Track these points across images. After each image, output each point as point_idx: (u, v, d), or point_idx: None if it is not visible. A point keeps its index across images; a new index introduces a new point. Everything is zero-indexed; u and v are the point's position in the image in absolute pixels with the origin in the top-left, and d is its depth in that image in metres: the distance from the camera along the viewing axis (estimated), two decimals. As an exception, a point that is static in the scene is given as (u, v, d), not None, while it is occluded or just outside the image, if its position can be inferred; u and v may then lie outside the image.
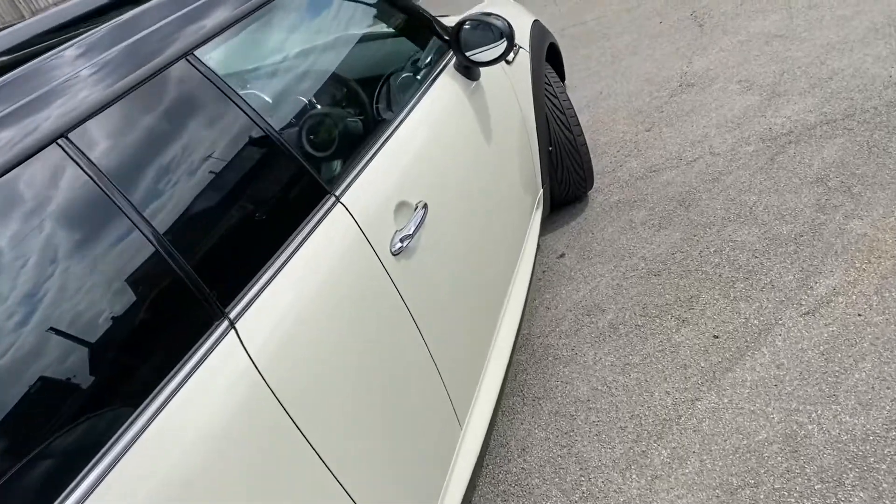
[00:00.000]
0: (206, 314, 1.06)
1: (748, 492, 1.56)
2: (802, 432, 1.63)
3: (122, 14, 1.30)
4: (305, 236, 1.27)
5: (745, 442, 1.67)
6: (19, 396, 0.81)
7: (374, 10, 2.01)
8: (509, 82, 2.33)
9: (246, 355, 1.06)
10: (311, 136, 1.73)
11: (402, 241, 1.44)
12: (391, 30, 2.09)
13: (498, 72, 2.26)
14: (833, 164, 2.50)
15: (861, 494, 1.46)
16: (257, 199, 1.24)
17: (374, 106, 1.91)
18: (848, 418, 1.62)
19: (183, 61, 1.25)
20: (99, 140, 1.04)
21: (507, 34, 1.92)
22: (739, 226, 2.39)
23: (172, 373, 0.97)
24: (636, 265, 2.41)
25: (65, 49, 1.10)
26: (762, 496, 1.54)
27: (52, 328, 0.87)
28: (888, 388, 1.65)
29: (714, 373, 1.88)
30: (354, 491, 1.21)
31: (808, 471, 1.55)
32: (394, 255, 1.43)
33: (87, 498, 0.81)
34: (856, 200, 2.28)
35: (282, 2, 1.58)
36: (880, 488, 1.46)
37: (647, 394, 1.91)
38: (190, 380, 0.98)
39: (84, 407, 0.87)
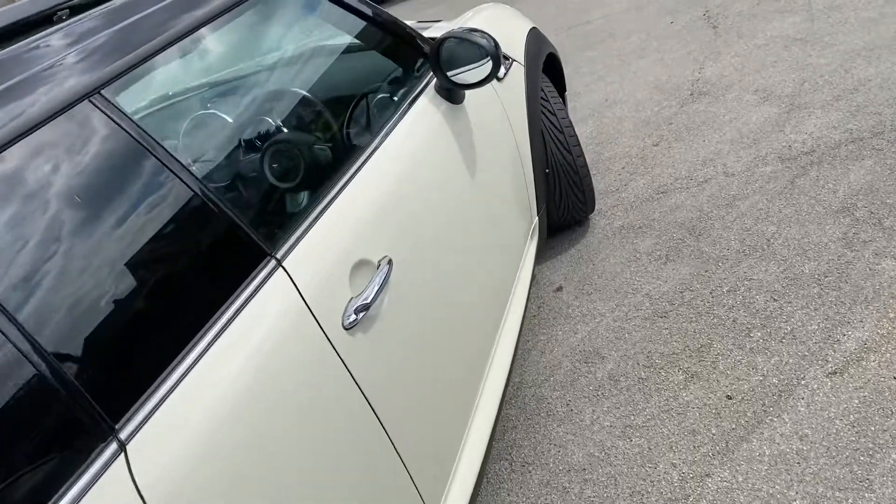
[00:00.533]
0: (89, 434, 0.83)
1: None
2: (831, 526, 1.40)
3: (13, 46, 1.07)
4: (228, 322, 1.04)
5: (762, 534, 1.44)
6: None
7: (339, 22, 1.78)
8: (500, 101, 2.09)
9: (134, 489, 0.84)
10: (246, 181, 1.51)
11: (357, 311, 1.21)
12: (359, 44, 1.86)
13: (487, 90, 2.01)
14: (861, 190, 2.24)
15: None
16: (164, 273, 1.01)
17: (334, 139, 1.67)
18: (884, 511, 1.39)
19: (86, 102, 1.03)
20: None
21: (493, 54, 1.68)
22: (756, 261, 2.14)
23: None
24: (640, 304, 2.17)
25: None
26: None
27: None
28: (932, 474, 1.41)
29: (727, 442, 1.65)
30: None
31: (838, 578, 1.32)
32: (347, 329, 1.20)
33: None
34: (888, 235, 2.03)
35: (218, 21, 1.34)
36: None
37: (651, 465, 1.67)
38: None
39: None
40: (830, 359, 1.74)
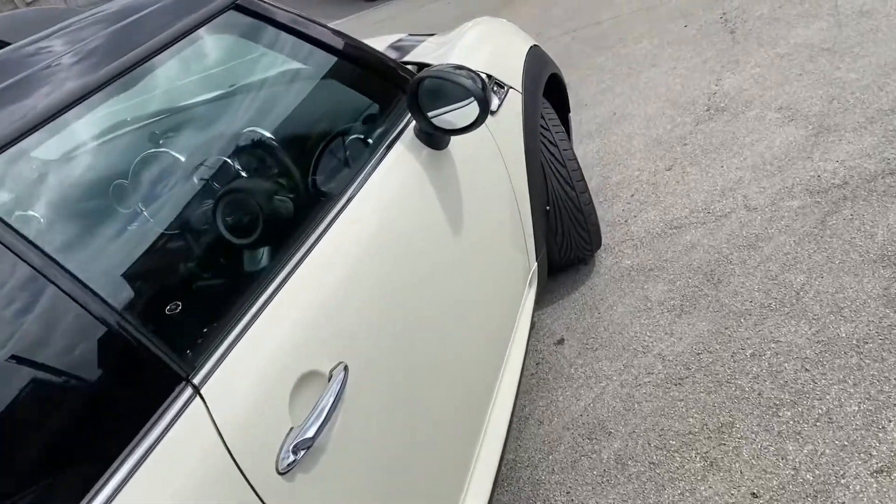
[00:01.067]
0: None
1: None
2: None
3: None
4: (121, 483, 0.80)
5: None
6: None
7: (301, 54, 1.52)
8: (492, 137, 1.84)
9: None
10: (147, 269, 1.16)
11: (296, 449, 0.97)
12: (320, 79, 1.60)
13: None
14: (903, 234, 1.98)
15: None
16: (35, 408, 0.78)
17: (275, 210, 1.39)
18: None
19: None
20: None
21: (480, 97, 1.42)
22: (784, 318, 1.88)
23: None
24: (652, 366, 1.92)
25: None
26: None
27: None
28: None
29: (754, 557, 1.40)
30: None
31: None
32: (283, 474, 0.96)
33: None
34: (937, 294, 1.77)
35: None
36: None
37: (663, 581, 1.43)
38: None
39: None
40: (875, 452, 1.49)
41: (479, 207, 1.70)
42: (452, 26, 2.37)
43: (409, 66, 1.95)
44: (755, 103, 2.92)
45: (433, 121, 1.52)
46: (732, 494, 1.53)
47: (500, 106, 1.90)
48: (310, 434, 0.97)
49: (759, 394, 1.72)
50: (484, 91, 1.43)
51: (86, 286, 0.87)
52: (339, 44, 1.57)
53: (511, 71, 2.09)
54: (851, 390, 1.63)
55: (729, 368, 1.82)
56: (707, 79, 3.29)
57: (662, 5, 4.39)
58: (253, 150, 1.51)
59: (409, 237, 1.40)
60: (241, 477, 0.91)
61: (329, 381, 1.06)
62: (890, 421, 1.53)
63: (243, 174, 1.48)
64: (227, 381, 0.95)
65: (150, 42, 1.16)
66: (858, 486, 1.44)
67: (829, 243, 2.06)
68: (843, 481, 1.46)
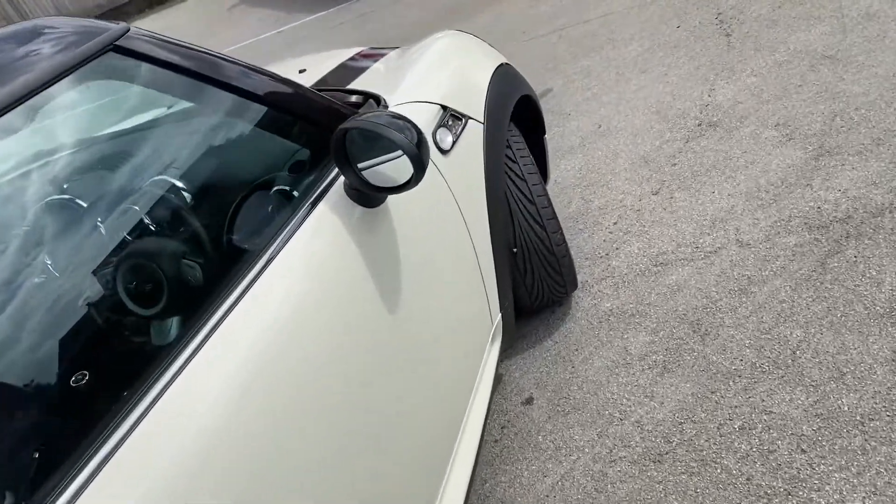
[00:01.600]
0: None
1: None
2: None
3: None
4: None
5: None
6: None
7: (194, 95, 1.29)
8: (444, 180, 1.60)
9: None
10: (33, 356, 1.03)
11: None
12: (235, 123, 1.36)
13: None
14: (914, 284, 1.75)
15: None
16: None
17: (187, 273, 1.20)
18: None
19: None
20: None
21: (412, 155, 1.19)
22: (778, 384, 1.66)
23: None
24: (629, 437, 1.70)
25: None
26: None
27: None
28: None
29: None
30: None
31: None
32: None
33: None
34: (954, 361, 1.54)
35: None
36: None
37: None
38: None
39: None
40: (882, 565, 1.27)
41: (427, 264, 1.47)
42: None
43: (354, 96, 1.72)
44: (750, 118, 2.68)
45: (365, 174, 1.29)
46: None
47: (454, 143, 1.66)
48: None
49: (747, 479, 1.50)
50: (419, 146, 1.20)
51: None
52: (258, 82, 1.33)
53: (472, 97, 1.85)
54: (855, 481, 1.41)
55: (715, 444, 1.60)
56: (699, 88, 3.04)
57: (654, 2, 4.13)
58: (157, 207, 1.29)
59: (340, 305, 1.19)
60: None
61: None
62: (899, 524, 1.31)
63: (147, 234, 1.26)
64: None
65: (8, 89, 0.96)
66: None
67: (830, 291, 1.83)
68: None
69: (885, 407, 1.51)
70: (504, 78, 2.03)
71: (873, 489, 1.38)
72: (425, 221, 1.50)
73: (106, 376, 0.98)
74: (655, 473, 1.59)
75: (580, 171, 2.84)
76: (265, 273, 1.13)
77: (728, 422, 1.63)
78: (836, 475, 1.43)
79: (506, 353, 2.09)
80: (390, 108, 1.62)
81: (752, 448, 1.55)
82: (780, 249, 2.03)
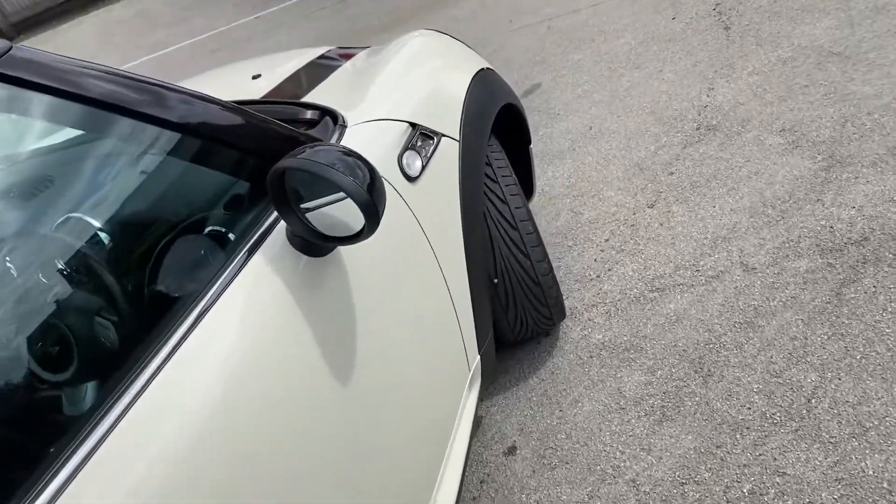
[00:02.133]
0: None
1: None
2: None
3: None
4: None
5: None
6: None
7: (91, 122, 1.07)
8: (410, 212, 1.39)
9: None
10: None
11: None
12: (153, 155, 1.14)
13: (389, 195, 1.30)
14: (942, 321, 1.56)
15: None
16: None
17: (101, 333, 1.00)
18: None
19: None
20: None
21: (364, 203, 0.97)
22: (792, 439, 1.47)
23: None
24: (623, 500, 1.50)
25: None
26: None
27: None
28: None
29: None
30: None
31: None
32: None
33: None
34: None
35: None
36: None
37: None
38: None
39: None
40: None
41: (390, 314, 1.27)
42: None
43: (310, 111, 1.49)
44: (753, 122, 2.47)
45: (310, 217, 1.08)
46: None
47: (424, 168, 1.44)
48: None
49: (760, 557, 1.31)
50: (371, 191, 0.99)
51: None
52: (181, 106, 1.11)
53: (447, 111, 1.63)
54: (884, 565, 1.22)
55: (721, 511, 1.40)
56: (698, 87, 2.83)
57: (648, -9, 3.89)
58: (63, 254, 1.07)
59: (284, 369, 1.00)
60: None
61: None
62: None
63: (48, 287, 1.05)
64: None
65: None
66: None
67: (848, 328, 1.64)
68: None
69: (915, 473, 1.32)
70: (484, 85, 1.80)
71: (906, 577, 1.19)
72: (387, 262, 1.29)
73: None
74: (654, 546, 1.40)
75: (569, 180, 2.63)
76: (194, 332, 0.95)
77: (736, 484, 1.44)
78: (862, 557, 1.24)
79: (487, 391, 1.89)
80: (349, 127, 1.40)
81: (763, 518, 1.36)
82: (789, 276, 1.83)
